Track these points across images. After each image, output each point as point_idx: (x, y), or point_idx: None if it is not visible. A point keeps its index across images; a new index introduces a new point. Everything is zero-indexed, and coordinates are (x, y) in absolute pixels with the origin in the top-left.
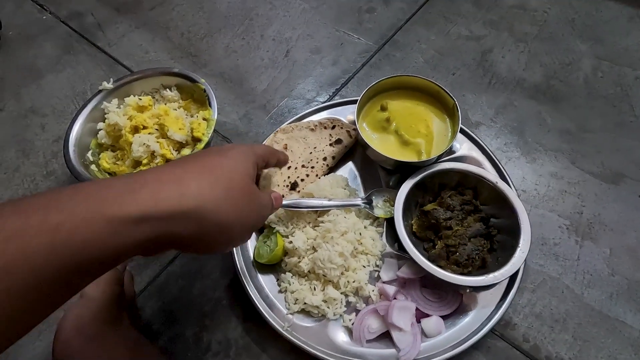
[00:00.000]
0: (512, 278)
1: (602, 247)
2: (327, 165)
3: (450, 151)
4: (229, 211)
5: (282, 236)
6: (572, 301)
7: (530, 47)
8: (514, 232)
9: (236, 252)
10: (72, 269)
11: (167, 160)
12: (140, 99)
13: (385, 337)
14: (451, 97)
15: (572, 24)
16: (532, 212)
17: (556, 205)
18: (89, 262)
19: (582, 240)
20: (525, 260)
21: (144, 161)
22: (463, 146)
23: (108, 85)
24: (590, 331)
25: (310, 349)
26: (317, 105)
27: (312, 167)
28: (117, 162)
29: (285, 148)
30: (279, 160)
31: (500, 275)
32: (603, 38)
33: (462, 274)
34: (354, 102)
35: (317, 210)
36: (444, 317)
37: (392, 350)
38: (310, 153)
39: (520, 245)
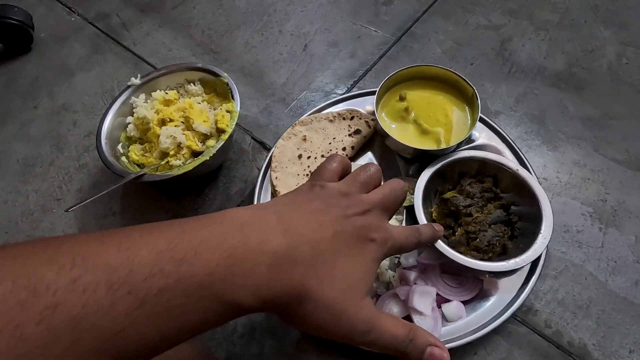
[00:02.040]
0: (534, 264)
1: (627, 234)
2: (347, 155)
3: (470, 140)
4: (320, 321)
5: None
6: (595, 288)
7: (552, 34)
8: (536, 219)
9: None
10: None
11: (193, 152)
12: (167, 93)
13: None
14: (470, 85)
15: (595, 10)
16: (554, 200)
17: (579, 192)
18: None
19: (606, 227)
20: (547, 246)
21: (171, 152)
22: (482, 135)
23: (136, 81)
24: (614, 318)
25: None
26: (336, 97)
27: None
28: (145, 154)
29: (305, 139)
30: (420, 243)
31: (522, 261)
32: (628, 23)
33: (482, 259)
34: (372, 93)
35: None
36: (464, 303)
37: None
38: (330, 143)
39: (542, 231)
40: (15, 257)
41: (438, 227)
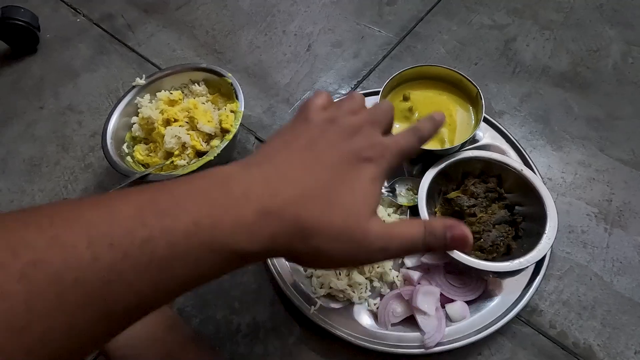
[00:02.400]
0: (538, 265)
1: (632, 234)
2: None
3: (474, 140)
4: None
5: None
6: (601, 288)
7: (556, 34)
8: (540, 219)
9: None
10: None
11: (197, 152)
12: (171, 94)
13: (410, 321)
14: (474, 84)
15: (600, 10)
16: (559, 200)
17: (584, 193)
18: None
19: (611, 228)
20: (551, 247)
21: (176, 152)
22: (486, 135)
23: (141, 81)
24: (620, 319)
25: (337, 332)
26: (339, 97)
27: None
28: (150, 154)
29: None
30: (423, 138)
31: (526, 261)
32: (633, 23)
33: (486, 260)
34: (375, 93)
35: None
36: (468, 303)
37: (417, 334)
38: None
39: (546, 231)
40: None
41: (437, 115)
